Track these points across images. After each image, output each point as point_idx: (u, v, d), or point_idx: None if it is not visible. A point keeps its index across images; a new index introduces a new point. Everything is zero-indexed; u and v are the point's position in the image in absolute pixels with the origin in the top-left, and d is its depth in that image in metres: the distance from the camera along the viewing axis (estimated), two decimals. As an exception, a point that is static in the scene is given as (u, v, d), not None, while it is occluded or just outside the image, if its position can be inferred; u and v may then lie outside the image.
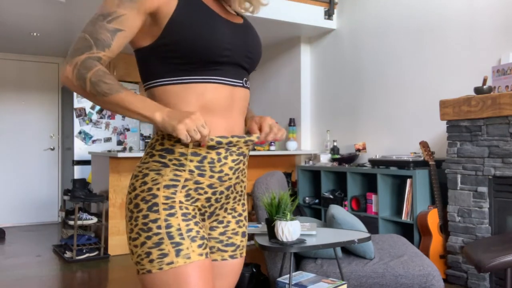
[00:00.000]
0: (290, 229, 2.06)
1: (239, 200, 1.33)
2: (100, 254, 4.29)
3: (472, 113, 3.11)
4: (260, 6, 1.31)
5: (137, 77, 5.91)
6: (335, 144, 4.79)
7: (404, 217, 3.70)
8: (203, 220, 1.24)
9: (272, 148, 5.22)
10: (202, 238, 1.16)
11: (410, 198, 3.65)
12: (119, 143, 6.01)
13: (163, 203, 1.13)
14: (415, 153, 3.92)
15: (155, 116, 1.07)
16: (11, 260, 4.25)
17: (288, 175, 4.98)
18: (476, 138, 3.14)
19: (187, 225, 1.14)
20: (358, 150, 4.49)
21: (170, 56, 1.14)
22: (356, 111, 4.72)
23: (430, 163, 3.51)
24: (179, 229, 1.12)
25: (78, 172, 5.82)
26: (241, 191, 1.33)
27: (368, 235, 2.33)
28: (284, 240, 2.07)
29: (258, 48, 1.29)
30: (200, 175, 1.17)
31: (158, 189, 1.14)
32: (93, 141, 5.86)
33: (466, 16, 3.67)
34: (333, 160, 4.64)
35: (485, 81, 3.16)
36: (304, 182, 4.91)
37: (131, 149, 5.11)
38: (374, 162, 3.96)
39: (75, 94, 5.70)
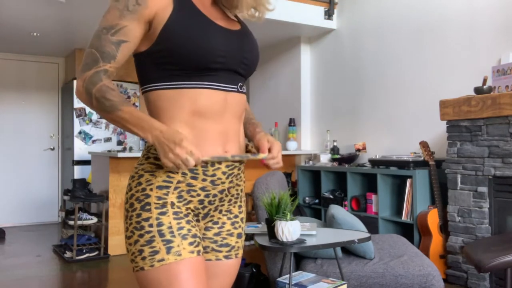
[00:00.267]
0: (290, 229, 2.06)
1: (235, 202, 1.34)
2: (100, 254, 4.29)
3: (472, 113, 3.11)
4: (266, 12, 1.35)
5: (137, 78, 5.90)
6: (335, 144, 4.79)
7: (404, 217, 3.70)
8: (197, 220, 1.26)
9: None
10: (194, 236, 1.17)
11: (410, 198, 3.65)
12: (119, 143, 6.01)
13: (155, 203, 1.16)
14: (415, 153, 3.92)
15: (147, 138, 1.12)
16: (11, 260, 4.25)
17: (288, 175, 4.98)
18: (476, 138, 3.14)
19: (178, 223, 1.16)
20: (358, 150, 4.49)
21: (164, 62, 1.17)
22: (356, 111, 4.72)
23: (430, 163, 3.51)
24: (170, 227, 1.14)
25: (78, 172, 5.83)
26: (237, 194, 1.34)
27: (368, 235, 2.33)
28: (284, 240, 2.07)
29: (255, 54, 1.30)
30: (193, 178, 1.19)
31: (151, 189, 1.17)
32: (93, 141, 5.86)
33: (466, 16, 3.67)
34: (333, 160, 4.64)
35: (485, 81, 3.16)
36: (304, 182, 4.91)
37: (131, 149, 5.12)
38: (374, 162, 3.96)
39: (75, 94, 5.70)
